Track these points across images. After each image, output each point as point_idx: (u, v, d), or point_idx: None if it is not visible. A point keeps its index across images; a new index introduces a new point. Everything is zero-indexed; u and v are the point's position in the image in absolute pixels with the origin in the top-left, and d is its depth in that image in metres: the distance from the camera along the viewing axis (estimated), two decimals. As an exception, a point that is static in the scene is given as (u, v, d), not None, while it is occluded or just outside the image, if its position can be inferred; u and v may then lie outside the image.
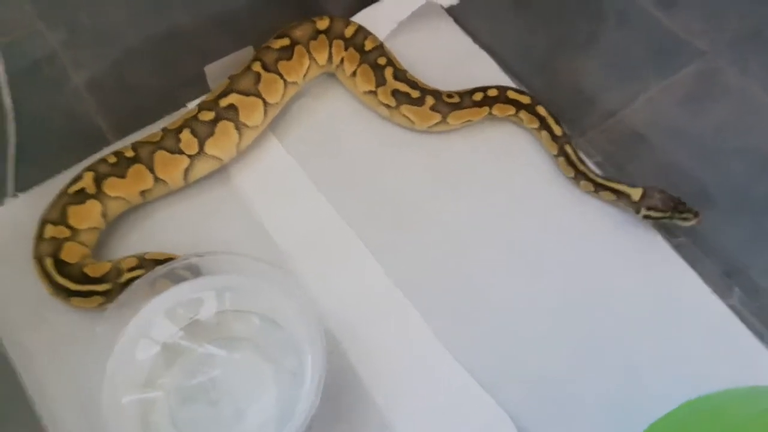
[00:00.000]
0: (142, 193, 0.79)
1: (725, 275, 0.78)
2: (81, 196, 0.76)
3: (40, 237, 0.74)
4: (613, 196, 0.79)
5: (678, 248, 0.78)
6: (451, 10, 0.95)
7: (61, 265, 0.72)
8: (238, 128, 0.80)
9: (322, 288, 0.75)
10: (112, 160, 0.78)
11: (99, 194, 0.77)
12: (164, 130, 0.80)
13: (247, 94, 0.80)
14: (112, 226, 0.80)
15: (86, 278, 0.72)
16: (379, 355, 0.72)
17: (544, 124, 0.83)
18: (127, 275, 0.71)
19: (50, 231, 0.74)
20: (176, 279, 0.68)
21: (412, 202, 0.82)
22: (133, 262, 0.72)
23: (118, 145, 0.84)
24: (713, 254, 0.79)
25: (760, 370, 0.72)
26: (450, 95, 0.84)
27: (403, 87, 0.83)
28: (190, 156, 0.79)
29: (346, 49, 0.85)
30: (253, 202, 0.82)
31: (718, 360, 0.72)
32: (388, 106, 0.84)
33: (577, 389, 0.71)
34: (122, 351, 0.65)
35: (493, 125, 0.87)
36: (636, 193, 0.78)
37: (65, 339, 0.73)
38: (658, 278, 0.77)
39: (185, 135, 0.79)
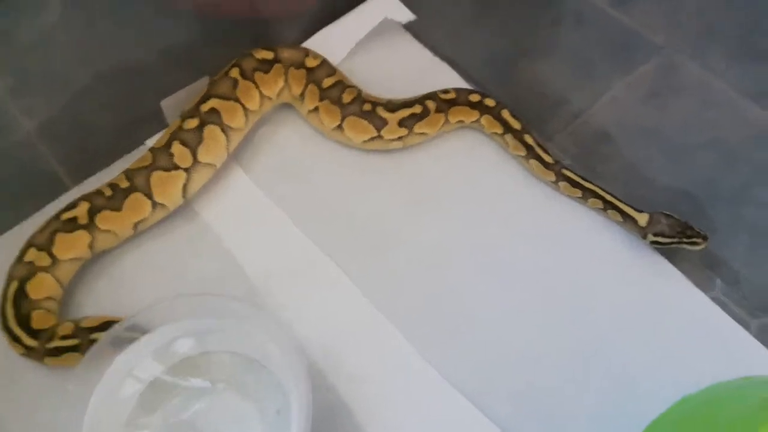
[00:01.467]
0: (136, 225, 0.77)
1: (706, 268, 0.78)
2: (72, 225, 0.74)
3: (20, 258, 0.73)
4: (619, 217, 0.78)
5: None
6: (409, 26, 0.94)
7: (19, 295, 0.71)
8: (224, 131, 0.79)
9: (301, 319, 0.74)
10: (108, 192, 0.76)
11: (90, 226, 0.75)
12: (152, 150, 0.79)
13: (226, 98, 0.80)
14: (80, 274, 0.77)
15: (24, 322, 0.70)
16: (368, 384, 0.70)
17: (532, 153, 0.81)
18: (57, 342, 0.68)
19: (31, 255, 0.73)
20: (120, 344, 0.65)
21: (385, 223, 0.81)
22: (68, 330, 0.69)
23: (75, 191, 0.83)
24: (678, 249, 0.78)
25: (748, 359, 0.72)
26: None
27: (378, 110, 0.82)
28: (186, 169, 0.78)
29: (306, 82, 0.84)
30: (223, 237, 0.80)
31: (706, 354, 0.72)
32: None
33: (567, 397, 0.70)
34: (104, 391, 0.64)
35: (457, 137, 0.87)
36: (642, 219, 0.76)
37: (37, 399, 0.70)
38: (639, 277, 0.77)
39: (176, 148, 0.78)
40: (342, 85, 0.83)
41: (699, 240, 0.74)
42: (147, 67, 0.89)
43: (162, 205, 0.78)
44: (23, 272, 0.72)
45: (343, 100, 0.81)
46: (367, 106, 0.81)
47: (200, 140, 0.78)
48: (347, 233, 0.80)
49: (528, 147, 0.81)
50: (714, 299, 0.75)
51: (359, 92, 0.83)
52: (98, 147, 0.86)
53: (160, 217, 0.79)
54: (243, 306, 0.66)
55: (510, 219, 0.81)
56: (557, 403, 0.69)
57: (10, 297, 0.71)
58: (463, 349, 0.73)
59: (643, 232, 0.76)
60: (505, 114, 0.83)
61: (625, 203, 0.78)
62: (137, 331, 0.66)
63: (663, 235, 0.75)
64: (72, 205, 0.76)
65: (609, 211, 0.78)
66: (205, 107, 0.79)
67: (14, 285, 0.71)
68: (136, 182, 0.77)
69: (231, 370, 0.68)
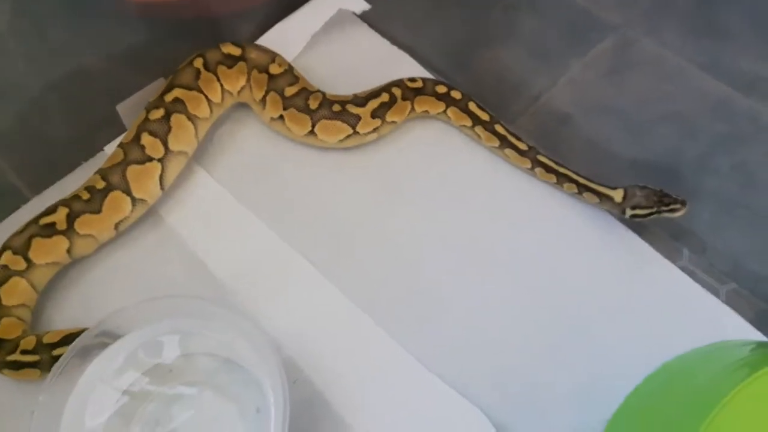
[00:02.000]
0: (117, 225, 0.76)
1: (672, 238, 0.79)
2: (50, 230, 0.73)
3: None
4: (596, 198, 0.77)
5: (622, 219, 0.79)
6: (365, 16, 0.93)
7: None
8: (190, 119, 0.79)
9: (275, 316, 0.73)
10: (85, 196, 0.75)
11: (69, 231, 0.74)
12: (122, 145, 0.78)
13: (189, 89, 0.80)
14: (47, 285, 0.75)
15: None
16: (345, 376, 0.70)
17: (506, 143, 0.81)
18: (17, 356, 0.67)
19: (6, 258, 0.72)
20: (90, 352, 0.64)
21: (354, 217, 0.80)
22: (30, 344, 0.68)
23: (36, 202, 0.81)
24: (656, 220, 0.79)
25: (720, 325, 0.73)
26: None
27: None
28: (159, 160, 0.77)
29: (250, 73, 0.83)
30: (189, 239, 0.78)
31: (679, 323, 0.72)
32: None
33: (546, 377, 0.70)
34: (78, 402, 0.62)
35: (424, 127, 0.87)
36: (618, 195, 0.76)
37: (7, 411, 0.69)
38: (608, 252, 0.77)
39: (146, 139, 0.77)
40: (306, 92, 0.82)
41: (677, 206, 0.74)
42: (100, 72, 0.88)
43: (142, 200, 0.77)
44: None
45: (310, 107, 0.81)
46: (336, 107, 0.81)
47: (168, 129, 0.77)
48: (316, 229, 0.79)
49: (501, 137, 0.81)
50: (682, 268, 0.76)
51: (324, 95, 0.82)
52: (56, 156, 0.84)
53: (140, 214, 0.78)
54: (213, 306, 0.65)
55: (482, 207, 0.81)
56: (537, 383, 0.70)
57: None
58: (441, 337, 0.72)
59: (620, 208, 0.76)
60: (472, 106, 0.82)
61: (598, 183, 0.77)
62: (108, 337, 0.64)
63: (640, 207, 0.75)
64: (51, 210, 0.74)
65: (584, 194, 0.78)
66: (169, 97, 0.79)
67: None
68: (112, 180, 0.75)
69: (207, 372, 0.68)
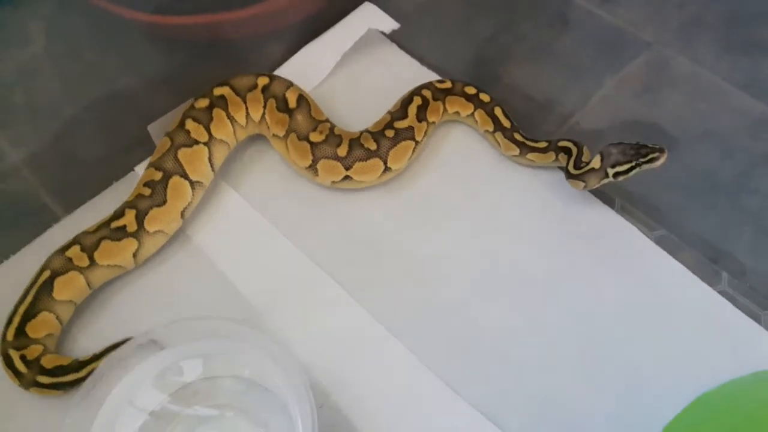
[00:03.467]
0: (183, 212, 0.78)
1: (710, 261, 0.76)
2: (120, 233, 0.75)
3: (61, 251, 0.73)
4: (581, 183, 0.76)
5: (659, 241, 0.77)
6: (393, 36, 0.93)
7: (46, 287, 0.71)
8: (229, 119, 0.81)
9: (301, 338, 0.72)
10: (147, 192, 0.76)
11: (138, 231, 0.75)
12: (168, 134, 0.79)
13: (237, 93, 0.82)
14: (78, 310, 0.75)
15: (30, 316, 0.70)
16: (373, 401, 0.68)
17: (526, 148, 0.81)
18: (49, 379, 0.68)
19: (73, 252, 0.73)
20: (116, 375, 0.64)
21: (383, 237, 0.79)
22: (52, 363, 0.69)
23: (67, 221, 0.81)
24: (694, 242, 0.77)
25: (760, 351, 0.70)
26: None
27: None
28: (205, 143, 0.79)
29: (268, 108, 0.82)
30: (217, 259, 0.78)
31: (718, 349, 0.70)
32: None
33: (581, 405, 0.68)
34: (103, 424, 0.62)
35: (451, 144, 0.86)
36: (596, 162, 0.75)
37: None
38: (644, 276, 0.75)
39: (190, 125, 0.79)
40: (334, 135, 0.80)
41: (656, 154, 0.73)
42: (132, 93, 0.89)
43: (199, 182, 0.79)
44: (58, 265, 0.72)
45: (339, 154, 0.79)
46: (370, 144, 0.79)
47: (210, 119, 0.80)
48: (344, 248, 0.78)
49: (519, 144, 0.81)
50: (722, 293, 0.74)
51: (340, 133, 0.81)
52: (88, 175, 0.85)
53: (199, 198, 0.79)
54: (242, 328, 0.64)
55: (514, 227, 0.79)
56: (572, 409, 0.68)
57: (38, 284, 0.71)
58: (471, 361, 0.71)
59: (602, 173, 0.75)
60: (498, 111, 0.82)
61: (579, 167, 0.77)
62: (136, 357, 0.64)
63: (620, 164, 0.74)
64: (119, 214, 0.76)
65: (570, 181, 0.78)
66: (217, 92, 0.81)
67: (46, 274, 0.72)
68: (167, 167, 0.77)
69: (233, 394, 0.67)
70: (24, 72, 0.88)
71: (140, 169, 0.83)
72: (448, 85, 0.84)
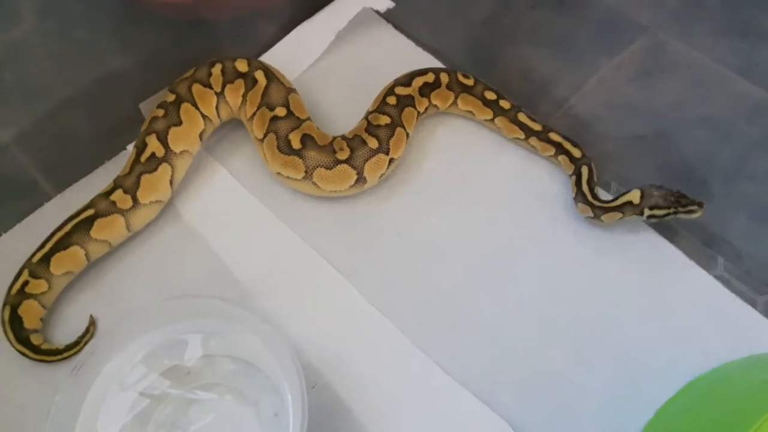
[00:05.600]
0: (200, 135, 0.80)
1: (706, 246, 0.76)
2: (153, 163, 0.76)
3: (106, 194, 0.75)
4: (618, 214, 0.74)
5: (655, 225, 0.76)
6: (388, 16, 0.92)
7: (86, 223, 0.73)
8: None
9: (294, 319, 0.71)
10: (161, 113, 0.78)
11: (168, 155, 0.77)
12: (195, 69, 0.81)
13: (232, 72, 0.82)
14: (67, 285, 0.74)
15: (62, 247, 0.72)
16: (365, 382, 0.68)
17: (561, 149, 0.79)
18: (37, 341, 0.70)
19: (117, 196, 0.74)
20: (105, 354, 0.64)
21: (376, 219, 0.78)
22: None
23: (58, 200, 0.80)
24: (690, 226, 0.77)
25: (755, 336, 0.70)
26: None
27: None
28: (217, 94, 0.80)
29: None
30: (207, 237, 0.77)
31: (712, 333, 0.70)
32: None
33: (574, 386, 0.68)
34: (93, 403, 0.62)
35: (450, 125, 0.85)
36: (635, 196, 0.74)
37: (23, 413, 0.68)
38: (639, 259, 0.75)
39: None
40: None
41: (694, 207, 0.72)
42: (123, 71, 0.88)
43: (207, 118, 0.80)
44: (103, 207, 0.74)
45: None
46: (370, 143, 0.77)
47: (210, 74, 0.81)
48: (338, 229, 0.78)
49: (556, 144, 0.79)
50: (717, 277, 0.73)
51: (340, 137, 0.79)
52: (79, 154, 0.84)
53: (211, 131, 0.81)
54: (232, 308, 0.64)
55: (508, 210, 0.79)
56: (565, 390, 0.68)
57: (79, 219, 0.73)
58: (463, 343, 0.71)
59: (638, 209, 0.74)
60: (522, 117, 0.80)
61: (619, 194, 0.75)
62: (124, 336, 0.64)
63: (658, 207, 0.73)
64: (141, 145, 0.76)
65: (603, 217, 0.75)
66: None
67: (90, 212, 0.73)
68: (181, 92, 0.79)
69: (225, 375, 0.67)
70: (14, 51, 0.87)
71: (131, 147, 0.82)
72: (470, 81, 0.82)
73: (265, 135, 0.77)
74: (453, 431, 0.66)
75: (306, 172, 0.76)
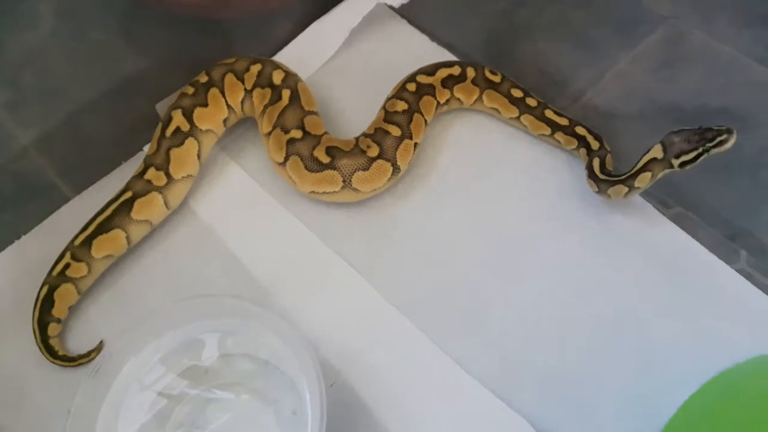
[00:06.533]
0: (224, 121, 0.81)
1: (728, 239, 0.74)
2: (179, 138, 0.77)
3: (140, 174, 0.76)
4: (648, 178, 0.70)
5: (675, 219, 0.75)
6: (402, 11, 0.92)
7: (126, 206, 0.74)
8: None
9: (311, 317, 0.71)
10: (190, 91, 0.79)
11: (193, 130, 0.78)
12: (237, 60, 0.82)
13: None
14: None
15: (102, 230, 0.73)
16: (384, 380, 0.68)
17: (583, 142, 0.77)
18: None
19: (150, 174, 0.75)
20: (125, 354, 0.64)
21: (391, 214, 0.78)
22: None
23: (77, 201, 0.81)
24: (712, 220, 0.76)
25: (780, 331, 0.68)
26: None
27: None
28: (246, 90, 0.81)
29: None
30: (223, 236, 0.78)
31: (735, 328, 0.69)
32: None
33: (594, 382, 0.67)
34: (113, 404, 0.62)
35: (463, 119, 0.84)
36: (657, 152, 0.70)
37: (44, 414, 0.68)
38: (660, 253, 0.74)
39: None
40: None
41: (724, 136, 0.66)
42: (140, 72, 0.89)
43: (231, 108, 0.81)
44: (139, 187, 0.75)
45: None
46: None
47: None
48: (353, 226, 0.78)
49: (580, 137, 0.78)
50: (740, 271, 0.72)
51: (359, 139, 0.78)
52: (96, 156, 0.85)
53: (235, 120, 0.82)
54: (250, 306, 0.64)
55: (525, 204, 0.78)
56: (586, 388, 0.67)
57: (119, 202, 0.74)
58: (482, 341, 0.70)
59: (666, 163, 0.69)
60: (549, 114, 0.79)
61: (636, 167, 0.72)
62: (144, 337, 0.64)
63: (685, 153, 0.68)
64: (167, 119, 0.78)
65: (633, 190, 0.72)
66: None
67: (128, 194, 0.74)
68: (215, 77, 0.80)
69: (243, 373, 0.67)
70: (32, 53, 0.88)
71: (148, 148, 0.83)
72: (497, 78, 0.81)
73: (287, 158, 0.76)
74: (473, 430, 0.65)
75: (344, 181, 0.75)
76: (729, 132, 0.67)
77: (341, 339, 0.70)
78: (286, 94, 0.79)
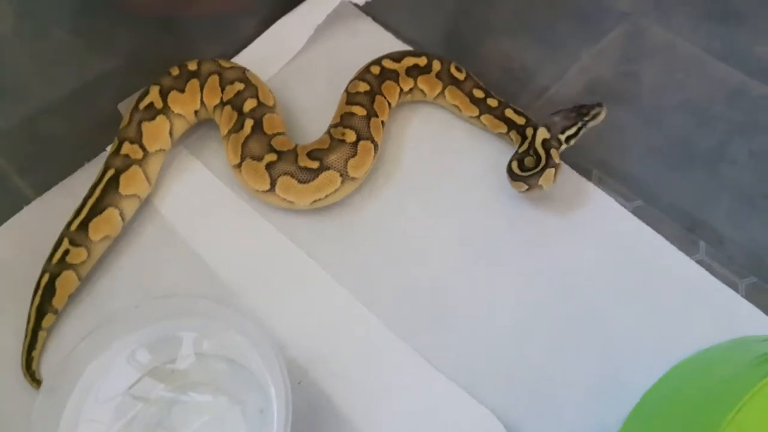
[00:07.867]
0: (196, 113, 0.81)
1: (688, 231, 0.76)
2: (151, 112, 0.78)
3: (116, 151, 0.76)
4: (557, 153, 0.75)
5: (636, 212, 0.77)
6: (368, 9, 0.92)
7: (112, 185, 0.74)
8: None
9: (278, 316, 0.71)
10: (175, 72, 0.81)
11: (165, 109, 0.79)
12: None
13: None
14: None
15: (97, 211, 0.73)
16: (351, 377, 0.68)
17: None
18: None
19: (126, 148, 0.76)
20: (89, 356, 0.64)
21: (358, 213, 0.78)
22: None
23: (38, 203, 0.80)
24: (672, 212, 0.77)
25: (737, 320, 0.70)
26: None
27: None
28: (221, 94, 0.81)
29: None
30: (187, 236, 0.77)
31: (696, 318, 0.70)
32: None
33: (559, 375, 0.68)
34: (76, 405, 0.62)
35: (428, 118, 0.85)
36: (543, 133, 0.75)
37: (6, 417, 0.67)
38: (622, 247, 0.75)
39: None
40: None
41: (596, 110, 0.74)
42: (101, 72, 0.87)
43: (204, 105, 0.81)
44: (119, 162, 0.75)
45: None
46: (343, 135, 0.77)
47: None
48: (319, 224, 0.78)
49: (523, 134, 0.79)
50: (699, 262, 0.74)
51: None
52: (58, 156, 0.84)
53: (205, 116, 0.82)
54: (215, 306, 0.64)
55: (489, 202, 0.78)
56: (550, 379, 0.68)
57: (104, 181, 0.74)
58: (448, 337, 0.71)
59: (556, 142, 0.75)
60: (509, 113, 0.80)
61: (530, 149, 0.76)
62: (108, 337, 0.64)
63: (568, 128, 0.75)
64: (144, 93, 0.79)
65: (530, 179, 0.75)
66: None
67: (111, 172, 0.75)
68: (201, 70, 0.81)
69: (209, 373, 0.67)
70: (-9, 52, 0.86)
71: (112, 148, 0.82)
72: (461, 76, 0.82)
73: (274, 183, 0.75)
74: (439, 424, 0.66)
75: (341, 175, 0.75)
76: (600, 106, 0.74)
77: (308, 337, 0.70)
78: (249, 123, 0.77)
